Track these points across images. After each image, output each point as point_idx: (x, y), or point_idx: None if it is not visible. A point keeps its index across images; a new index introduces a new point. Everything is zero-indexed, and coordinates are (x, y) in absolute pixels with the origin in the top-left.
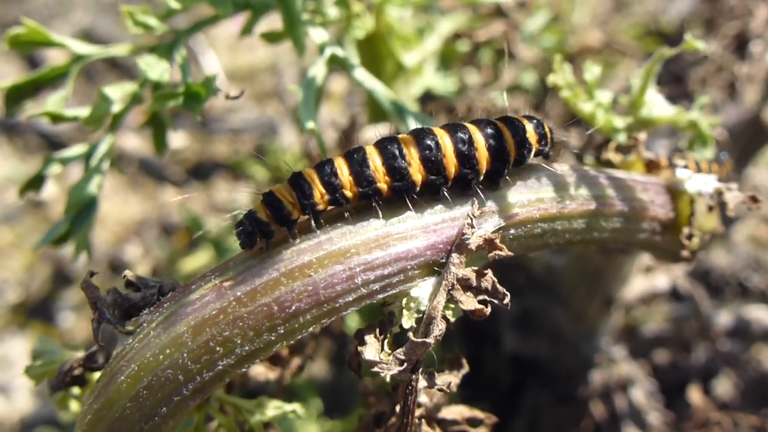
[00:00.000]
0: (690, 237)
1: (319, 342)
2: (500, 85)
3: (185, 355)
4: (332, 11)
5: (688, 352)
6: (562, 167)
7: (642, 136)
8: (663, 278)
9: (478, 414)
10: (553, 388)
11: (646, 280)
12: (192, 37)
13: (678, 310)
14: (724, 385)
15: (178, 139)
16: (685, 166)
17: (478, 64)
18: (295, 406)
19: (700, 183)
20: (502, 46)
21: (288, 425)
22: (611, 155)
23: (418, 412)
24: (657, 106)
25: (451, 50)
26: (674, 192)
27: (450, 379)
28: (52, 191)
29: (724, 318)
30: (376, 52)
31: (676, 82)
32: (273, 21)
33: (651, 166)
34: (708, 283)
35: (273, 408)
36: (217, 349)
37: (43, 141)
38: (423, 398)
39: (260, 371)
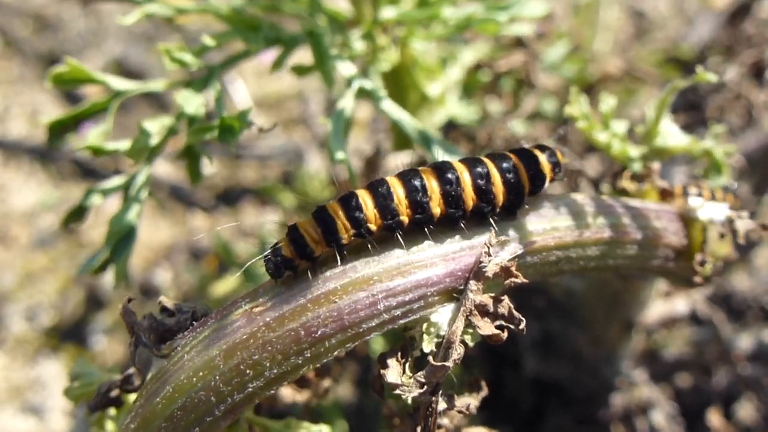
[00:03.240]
0: (703, 263)
1: (345, 365)
2: (521, 114)
3: (217, 377)
4: (359, 45)
5: (709, 376)
6: (578, 196)
7: (656, 165)
8: (682, 302)
9: None
10: (573, 410)
11: (665, 304)
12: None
13: (699, 334)
14: (746, 409)
15: (207, 166)
16: (698, 195)
17: (500, 93)
18: (322, 428)
19: (712, 211)
20: (523, 76)
21: None
22: (626, 183)
23: None
24: (671, 135)
25: (473, 80)
26: (687, 219)
27: (469, 401)
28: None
29: (745, 342)
30: (400, 82)
31: (693, 110)
32: (302, 53)
33: (665, 195)
34: (729, 307)
35: (300, 429)
36: (248, 372)
37: (76, 168)
38: (444, 420)
39: (288, 393)
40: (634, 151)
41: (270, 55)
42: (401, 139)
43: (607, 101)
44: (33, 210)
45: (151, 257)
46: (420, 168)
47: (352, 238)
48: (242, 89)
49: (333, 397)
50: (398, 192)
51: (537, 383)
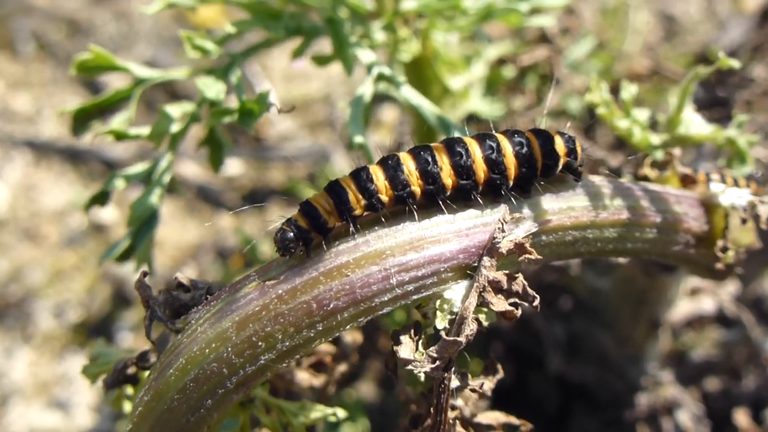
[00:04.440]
0: (724, 250)
1: (368, 364)
2: (544, 109)
3: (229, 349)
4: (379, 36)
5: (738, 379)
6: (595, 178)
7: (677, 151)
8: (709, 301)
9: (513, 420)
10: (599, 411)
11: (691, 302)
12: (249, 69)
13: (727, 336)
14: None
15: (234, 167)
16: (721, 181)
17: (523, 89)
18: (337, 410)
19: (733, 196)
20: (547, 72)
21: None
22: (647, 171)
23: (453, 414)
24: (694, 123)
25: (496, 75)
26: (708, 205)
27: (483, 381)
28: (113, 215)
29: None
30: (422, 76)
31: (720, 106)
32: (325, 46)
33: (686, 181)
34: (760, 310)
35: (315, 411)
36: (260, 344)
37: (106, 168)
38: (459, 402)
39: (304, 377)
40: (656, 138)
41: (300, 63)
42: (421, 128)
43: (629, 89)
44: (63, 209)
45: (178, 256)
46: (432, 144)
47: (365, 210)
48: (273, 95)
49: (356, 395)
50: (408, 164)
51: (562, 384)
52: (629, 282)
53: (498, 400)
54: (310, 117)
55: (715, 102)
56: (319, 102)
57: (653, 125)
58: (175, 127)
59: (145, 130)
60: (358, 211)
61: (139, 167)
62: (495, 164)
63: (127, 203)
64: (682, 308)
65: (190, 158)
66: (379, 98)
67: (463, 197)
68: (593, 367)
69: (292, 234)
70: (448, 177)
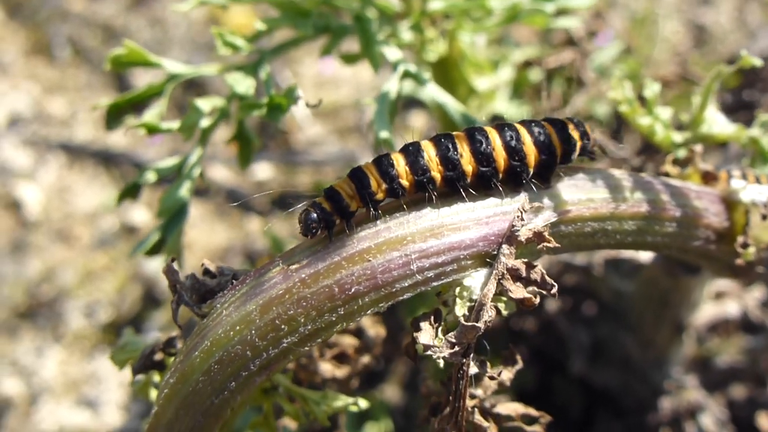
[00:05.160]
0: (745, 246)
1: (393, 367)
2: (569, 111)
3: (253, 332)
4: (407, 35)
5: (763, 386)
6: (616, 171)
7: (698, 147)
8: (733, 305)
9: (532, 412)
10: (623, 416)
11: (716, 306)
12: (280, 75)
13: (753, 343)
14: None
15: (263, 171)
16: (742, 177)
17: (549, 92)
18: (358, 400)
19: (754, 192)
20: (573, 75)
21: None
22: (668, 167)
23: (472, 402)
24: (717, 123)
25: (522, 77)
26: (729, 202)
27: (502, 370)
28: (144, 217)
29: None
30: (449, 76)
31: (746, 109)
32: (352, 47)
33: (707, 178)
34: None
35: (337, 400)
36: (282, 327)
37: (138, 172)
38: (478, 391)
39: (327, 368)
40: (678, 136)
41: (329, 64)
42: (447, 127)
43: (651, 87)
44: (95, 211)
45: (206, 259)
46: (453, 132)
47: (386, 194)
48: (300, 91)
49: (380, 397)
50: (429, 150)
51: (586, 388)
52: (652, 284)
53: (521, 402)
54: (340, 122)
55: (742, 105)
56: (348, 108)
57: (678, 126)
58: (205, 122)
59: (175, 124)
60: (379, 196)
61: (169, 161)
62: (515, 151)
63: (157, 206)
64: (706, 312)
65: (220, 162)
66: (408, 103)
67: (483, 185)
68: (617, 371)
69: (315, 215)
70: (468, 164)
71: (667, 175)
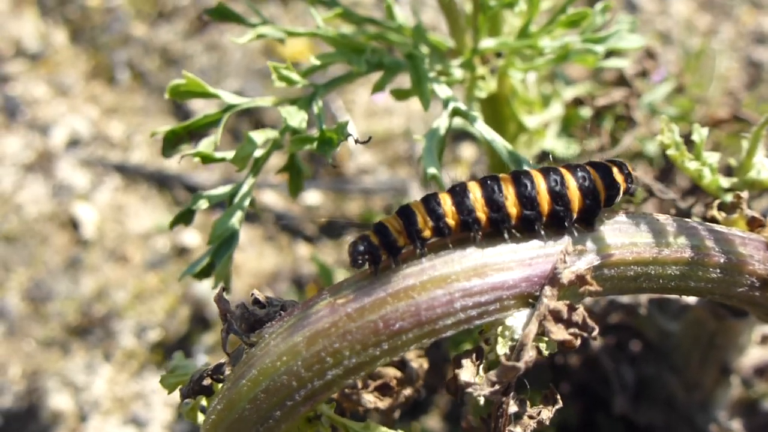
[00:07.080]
0: None
1: (435, 399)
2: (619, 150)
3: (299, 363)
4: (458, 72)
5: None
6: (660, 216)
7: (745, 193)
8: None
9: None
10: None
11: (762, 350)
12: (333, 104)
13: None
14: None
15: (313, 197)
16: None
17: (599, 130)
18: (400, 431)
19: None
20: (623, 113)
21: None
22: (714, 212)
23: None
24: (765, 168)
25: (572, 115)
26: None
27: (541, 409)
28: (195, 240)
29: None
30: (499, 113)
31: None
32: (404, 82)
33: (753, 224)
34: None
35: (379, 431)
36: (328, 359)
37: (190, 194)
38: (517, 429)
39: (370, 399)
40: (726, 181)
41: (381, 98)
42: (497, 165)
43: (700, 131)
44: (148, 232)
45: (254, 283)
46: (499, 174)
47: (432, 233)
48: (351, 126)
49: (422, 427)
50: (475, 191)
51: (629, 427)
52: (699, 325)
53: None
54: (390, 152)
55: None
56: (399, 137)
57: (728, 170)
58: (258, 153)
59: (229, 154)
60: (426, 233)
61: (221, 190)
62: (559, 196)
63: (208, 229)
64: (753, 355)
65: (270, 187)
66: (459, 135)
67: (527, 228)
68: (661, 411)
69: (362, 247)
70: (512, 206)
71: (713, 219)
